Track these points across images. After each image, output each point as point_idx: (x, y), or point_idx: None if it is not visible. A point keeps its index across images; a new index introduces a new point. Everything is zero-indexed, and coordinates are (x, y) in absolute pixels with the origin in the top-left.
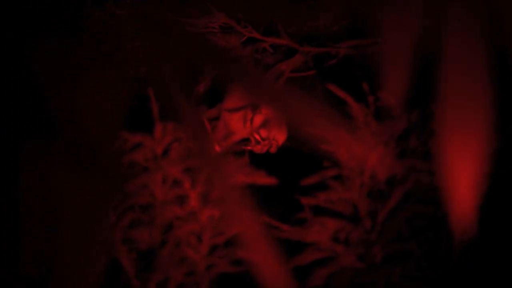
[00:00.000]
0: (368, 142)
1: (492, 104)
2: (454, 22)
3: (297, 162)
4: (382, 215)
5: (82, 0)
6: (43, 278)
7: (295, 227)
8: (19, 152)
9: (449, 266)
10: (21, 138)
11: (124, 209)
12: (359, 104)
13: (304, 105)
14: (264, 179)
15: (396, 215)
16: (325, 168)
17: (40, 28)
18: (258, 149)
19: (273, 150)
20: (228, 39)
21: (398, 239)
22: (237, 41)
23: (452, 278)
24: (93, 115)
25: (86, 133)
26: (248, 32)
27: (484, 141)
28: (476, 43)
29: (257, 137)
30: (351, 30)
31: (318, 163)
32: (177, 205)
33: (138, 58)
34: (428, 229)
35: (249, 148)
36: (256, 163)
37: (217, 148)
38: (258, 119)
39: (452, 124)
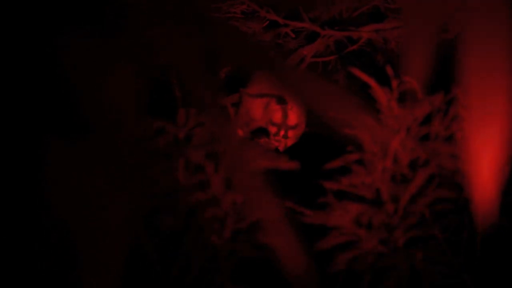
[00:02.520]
0: (391, 126)
1: None
2: (476, 5)
3: (319, 146)
4: (404, 199)
5: None
6: (66, 264)
7: (317, 211)
8: (44, 137)
9: (471, 251)
10: (44, 120)
11: (147, 195)
12: (382, 88)
13: (327, 90)
14: (286, 163)
15: (418, 199)
16: (347, 152)
17: (60, 18)
18: (273, 144)
19: (281, 148)
20: (250, 24)
21: (421, 223)
22: (259, 26)
23: (474, 263)
24: (115, 102)
25: (109, 119)
26: (271, 16)
27: (507, 126)
28: (499, 27)
29: (282, 132)
30: (373, 15)
31: (340, 148)
32: (199, 190)
33: (160, 44)
34: (450, 213)
35: (261, 141)
36: None
37: (240, 133)
38: (286, 116)
39: (475, 108)
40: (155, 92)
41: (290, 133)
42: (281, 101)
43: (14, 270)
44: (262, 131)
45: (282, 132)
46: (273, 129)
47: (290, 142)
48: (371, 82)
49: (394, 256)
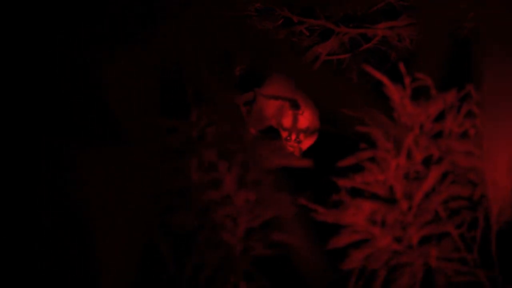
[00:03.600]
0: (404, 124)
1: None
2: (491, 2)
3: (332, 144)
4: (418, 197)
5: None
6: (82, 261)
7: (331, 209)
8: (62, 139)
9: (486, 247)
10: (62, 123)
11: (160, 193)
12: (395, 85)
13: (340, 87)
14: (299, 161)
15: (432, 196)
16: (361, 150)
17: (78, 26)
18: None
19: (297, 152)
20: (265, 22)
21: (435, 220)
22: (274, 24)
23: (489, 259)
24: (127, 100)
25: (121, 118)
26: (285, 14)
27: None
28: None
29: (293, 136)
30: (387, 12)
31: (354, 145)
32: (212, 189)
33: (174, 41)
34: (464, 210)
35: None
36: None
37: (252, 131)
38: (295, 125)
39: (488, 104)
40: (168, 92)
41: (302, 137)
42: (295, 106)
43: (30, 268)
44: (276, 133)
45: (293, 136)
46: (284, 134)
47: (304, 146)
48: (384, 79)
49: (409, 253)
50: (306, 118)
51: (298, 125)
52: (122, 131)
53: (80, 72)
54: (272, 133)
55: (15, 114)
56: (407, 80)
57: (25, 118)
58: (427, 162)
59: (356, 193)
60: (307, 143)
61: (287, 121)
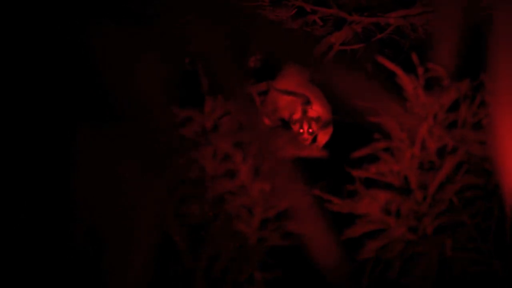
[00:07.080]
0: (418, 114)
1: None
2: None
3: (347, 134)
4: (433, 187)
5: None
6: (96, 252)
7: (346, 199)
8: (75, 128)
9: (501, 236)
10: (75, 109)
11: (175, 184)
12: (409, 75)
13: (354, 78)
14: (314, 152)
15: (447, 186)
16: (375, 140)
17: (91, 9)
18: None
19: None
20: (278, 12)
21: (449, 210)
22: (287, 14)
23: (504, 248)
24: (144, 90)
25: (138, 108)
26: (298, 3)
27: None
28: None
29: (300, 130)
30: (400, 1)
31: (368, 136)
32: (227, 179)
33: (188, 33)
34: (479, 199)
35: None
36: None
37: (267, 122)
38: (305, 116)
39: (502, 94)
40: (183, 81)
41: (314, 126)
42: (306, 102)
43: (38, 257)
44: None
45: (306, 127)
46: (295, 127)
47: (321, 142)
48: (397, 70)
49: (423, 243)
50: (316, 109)
51: (308, 114)
52: (138, 120)
53: (101, 61)
54: (286, 123)
55: (20, 98)
56: (420, 70)
57: (34, 108)
58: (442, 152)
59: (370, 183)
60: (323, 138)
61: (297, 115)
